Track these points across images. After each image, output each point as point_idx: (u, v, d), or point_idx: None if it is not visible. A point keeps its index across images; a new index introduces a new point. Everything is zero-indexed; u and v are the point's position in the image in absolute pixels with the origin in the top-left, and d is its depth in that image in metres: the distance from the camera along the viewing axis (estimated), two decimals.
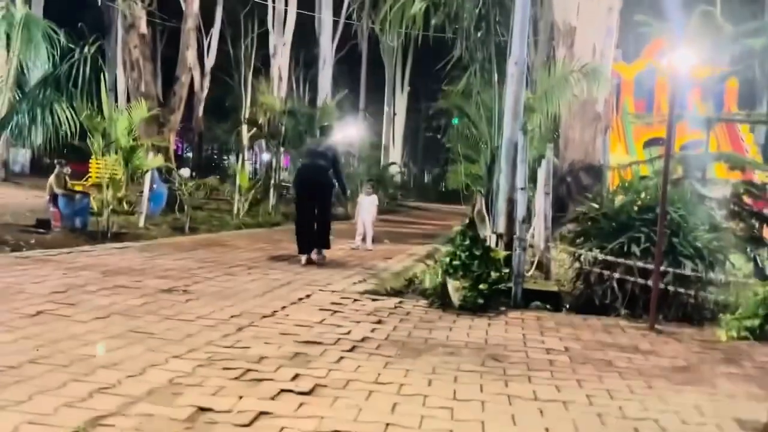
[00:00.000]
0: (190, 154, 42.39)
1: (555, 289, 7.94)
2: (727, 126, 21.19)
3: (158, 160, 13.86)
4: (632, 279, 7.02)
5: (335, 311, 6.33)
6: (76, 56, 9.89)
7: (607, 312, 7.14)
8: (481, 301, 6.73)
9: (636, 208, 7.75)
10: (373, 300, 7.11)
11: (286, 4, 29.26)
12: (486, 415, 3.66)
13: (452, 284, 6.83)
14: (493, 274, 6.86)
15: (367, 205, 12.72)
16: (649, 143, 21.15)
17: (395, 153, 42.70)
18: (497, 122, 10.08)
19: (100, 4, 29.08)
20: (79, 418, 3.20)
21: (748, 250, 9.50)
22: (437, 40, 15.16)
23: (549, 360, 5.00)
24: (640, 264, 6.93)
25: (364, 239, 12.44)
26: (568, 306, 7.58)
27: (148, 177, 13.69)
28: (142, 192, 13.88)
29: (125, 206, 14.75)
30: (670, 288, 6.85)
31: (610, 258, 7.19)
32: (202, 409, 3.45)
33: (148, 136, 16.34)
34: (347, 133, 23.12)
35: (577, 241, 8.06)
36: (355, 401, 3.75)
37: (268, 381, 4.01)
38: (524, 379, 4.44)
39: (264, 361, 4.42)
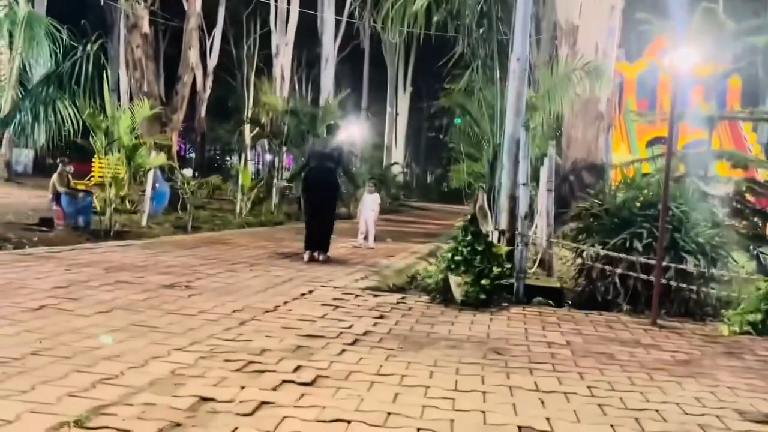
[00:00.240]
0: (192, 155, 42.47)
1: (557, 285, 7.93)
2: (730, 125, 21.20)
3: (160, 159, 13.87)
4: (634, 275, 7.02)
5: (337, 306, 6.34)
6: (79, 54, 9.90)
7: (609, 308, 7.15)
8: (483, 296, 6.73)
9: (638, 204, 7.75)
10: (375, 296, 7.12)
11: (289, 3, 29.26)
12: (487, 406, 3.67)
13: (454, 280, 6.84)
14: (495, 270, 6.87)
15: (369, 204, 12.73)
16: (652, 142, 21.17)
17: (398, 153, 42.73)
18: (499, 119, 10.08)
19: (102, 3, 29.13)
20: (81, 407, 3.20)
21: (751, 247, 9.51)
22: (440, 40, 15.18)
23: (551, 353, 5.01)
24: (642, 259, 6.93)
25: (366, 237, 12.45)
26: (570, 302, 7.58)
27: (150, 176, 13.71)
28: (144, 191, 13.91)
29: (128, 205, 14.77)
30: (672, 283, 6.85)
31: (612, 254, 7.19)
32: (204, 399, 3.46)
33: (151, 135, 16.34)
34: (350, 133, 23.16)
35: (579, 237, 8.07)
36: (356, 392, 3.76)
37: (270, 372, 4.01)
38: (526, 371, 4.45)
39: (266, 354, 4.43)
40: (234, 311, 5.74)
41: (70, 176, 12.35)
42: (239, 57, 34.56)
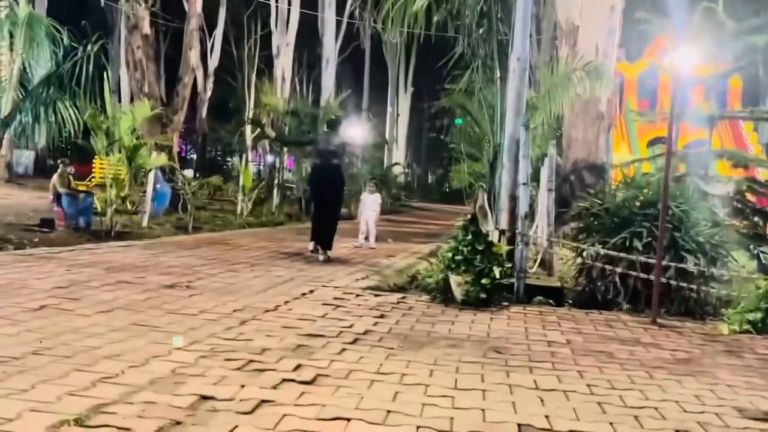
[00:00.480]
0: (193, 156, 42.47)
1: (557, 284, 7.93)
2: (731, 125, 21.19)
3: (161, 159, 13.87)
4: (634, 274, 7.03)
5: (338, 306, 6.35)
6: (79, 55, 9.91)
7: (609, 307, 7.15)
8: (483, 295, 6.74)
9: (638, 204, 7.76)
10: (376, 295, 7.13)
11: (290, 4, 29.26)
12: (487, 404, 3.68)
13: (454, 279, 6.85)
14: (496, 269, 6.87)
15: (369, 204, 12.74)
16: (653, 142, 21.14)
17: (398, 153, 42.72)
18: (499, 119, 10.09)
19: (103, 4, 29.15)
20: (81, 406, 3.22)
21: (751, 247, 9.51)
22: (440, 40, 15.19)
23: (551, 352, 5.02)
24: (642, 259, 6.93)
25: (367, 238, 12.46)
26: (570, 301, 7.58)
27: (151, 176, 13.72)
28: (145, 192, 13.91)
29: (128, 206, 14.76)
30: (672, 282, 6.86)
31: (612, 253, 7.19)
32: (204, 398, 3.47)
33: (152, 136, 16.35)
34: (351, 133, 23.15)
35: (580, 236, 8.07)
36: (356, 390, 3.76)
37: (270, 371, 4.02)
38: (526, 370, 4.45)
39: (266, 353, 4.43)
40: (234, 311, 5.75)
41: (70, 177, 12.36)
42: (240, 58, 34.52)
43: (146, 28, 19.68)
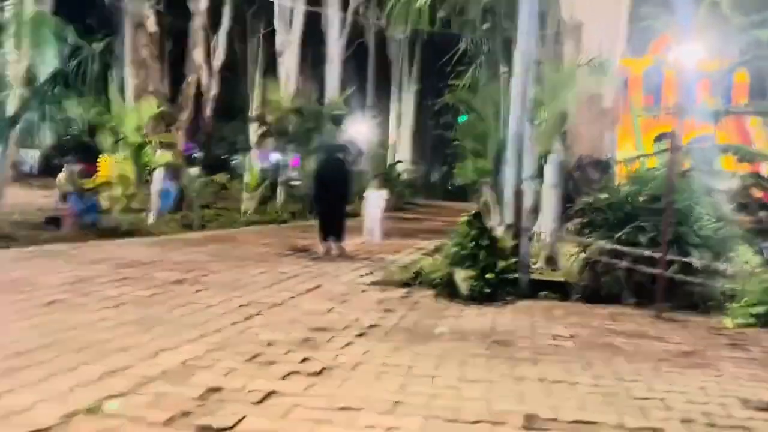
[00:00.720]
0: (199, 154, 42.51)
1: (562, 279, 7.94)
2: (736, 120, 21.15)
3: (166, 157, 13.93)
4: (639, 268, 7.03)
5: (344, 301, 6.39)
6: (85, 53, 9.97)
7: (614, 301, 7.16)
8: (488, 290, 6.77)
9: (642, 199, 7.76)
10: (382, 290, 7.16)
11: (293, 2, 29.26)
12: (493, 395, 3.71)
13: (459, 274, 6.88)
14: (500, 264, 6.91)
15: (374, 200, 12.77)
16: (658, 138, 21.11)
17: (403, 151, 42.67)
18: (504, 115, 10.08)
19: (107, 3, 29.18)
20: (93, 397, 3.27)
21: (757, 241, 9.50)
22: (444, 38, 15.17)
23: (556, 345, 5.05)
24: (647, 253, 6.94)
25: (372, 234, 12.49)
26: (575, 296, 7.59)
27: (157, 174, 13.77)
28: (151, 189, 13.96)
29: (135, 204, 14.81)
30: (677, 277, 6.87)
31: (617, 247, 7.20)
32: (214, 389, 3.52)
33: (157, 134, 16.39)
34: (356, 131, 23.19)
35: (585, 231, 8.08)
36: (364, 382, 3.81)
37: (278, 363, 4.07)
38: (531, 362, 4.48)
39: (273, 346, 4.48)
40: (241, 306, 5.80)
41: (76, 175, 12.42)
42: (245, 56, 34.58)
43: (151, 27, 19.71)
